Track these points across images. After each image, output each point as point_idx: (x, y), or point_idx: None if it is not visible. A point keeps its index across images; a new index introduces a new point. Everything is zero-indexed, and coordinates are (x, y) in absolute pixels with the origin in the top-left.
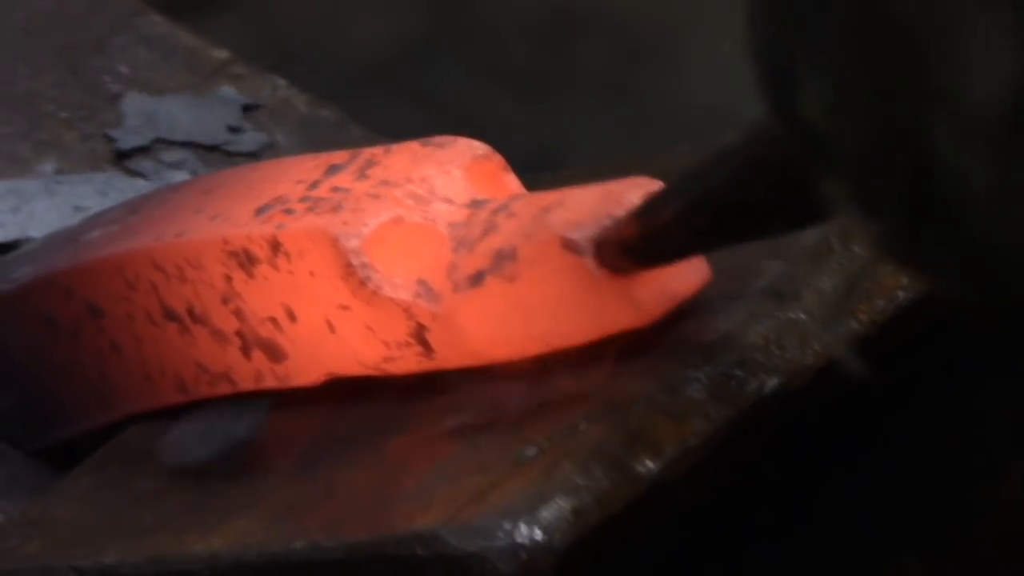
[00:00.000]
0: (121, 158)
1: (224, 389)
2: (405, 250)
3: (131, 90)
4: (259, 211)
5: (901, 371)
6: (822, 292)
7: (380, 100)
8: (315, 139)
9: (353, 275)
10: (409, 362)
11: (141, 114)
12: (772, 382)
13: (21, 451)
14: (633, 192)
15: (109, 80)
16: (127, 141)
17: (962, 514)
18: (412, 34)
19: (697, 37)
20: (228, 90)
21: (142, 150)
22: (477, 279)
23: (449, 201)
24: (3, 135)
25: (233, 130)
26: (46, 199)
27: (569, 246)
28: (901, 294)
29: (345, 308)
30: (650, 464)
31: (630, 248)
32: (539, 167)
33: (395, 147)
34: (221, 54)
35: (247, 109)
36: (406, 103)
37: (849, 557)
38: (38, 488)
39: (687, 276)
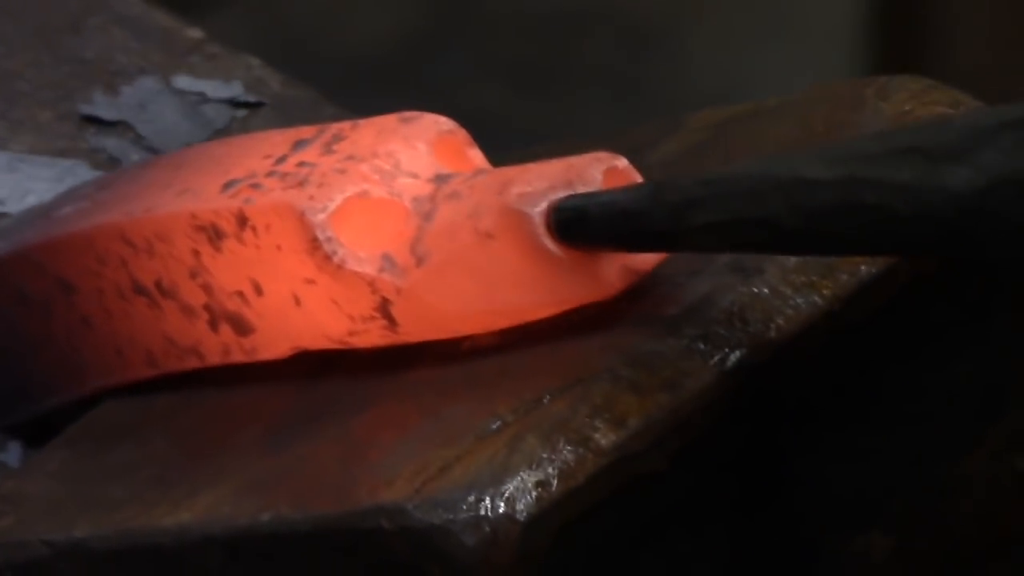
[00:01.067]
0: (89, 122)
1: (192, 363)
2: (370, 224)
3: (107, 72)
4: (227, 186)
5: (867, 345)
6: (785, 266)
7: (383, 93)
8: (289, 119)
9: (318, 249)
10: (374, 336)
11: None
12: (735, 355)
13: None
14: (594, 167)
15: (84, 60)
16: (99, 112)
17: (929, 488)
18: (415, 27)
19: (701, 28)
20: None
21: (110, 124)
22: (439, 253)
23: (414, 175)
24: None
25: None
26: (5, 175)
27: (526, 219)
28: (864, 268)
29: (311, 282)
30: (613, 437)
31: (626, 237)
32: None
33: (362, 122)
34: (195, 34)
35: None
36: (409, 96)
37: (816, 531)
38: (9, 464)
39: None
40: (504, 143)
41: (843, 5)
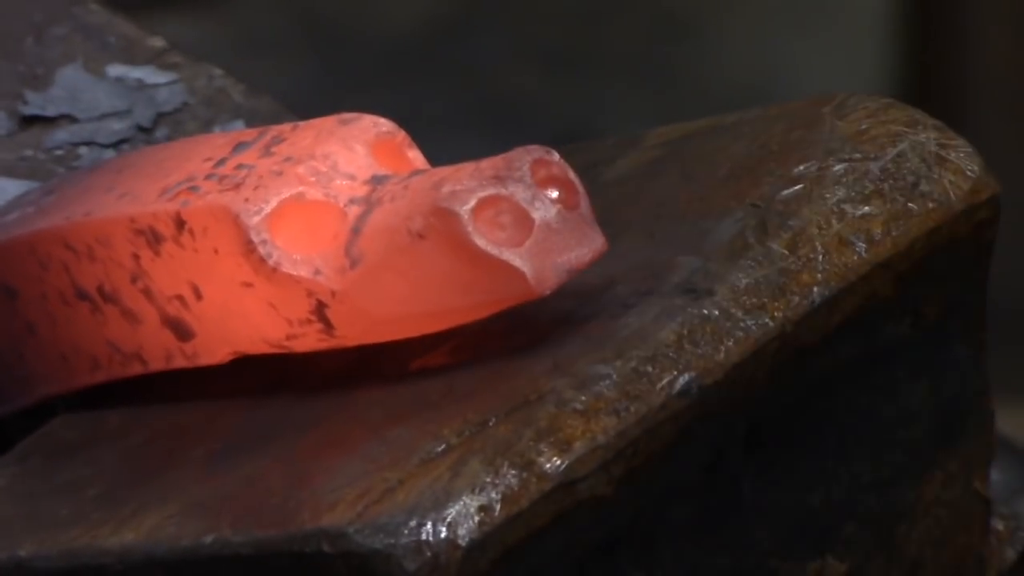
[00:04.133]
0: (24, 123)
1: (136, 369)
2: (306, 227)
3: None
4: (166, 189)
5: (819, 368)
6: (736, 288)
7: (416, 78)
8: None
9: (254, 252)
10: (312, 339)
11: (69, 89)
12: (683, 379)
13: None
14: (523, 159)
15: (43, 68)
16: (36, 109)
17: (884, 513)
18: (449, 12)
19: (736, 18)
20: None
21: (45, 120)
22: (373, 255)
23: (351, 177)
24: None
25: (143, 129)
26: None
27: (454, 218)
28: (817, 289)
29: (248, 285)
30: (557, 461)
31: None
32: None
33: (302, 124)
34: (157, 43)
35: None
36: (442, 81)
37: (769, 556)
38: None
39: (581, 247)
40: (535, 127)
41: None
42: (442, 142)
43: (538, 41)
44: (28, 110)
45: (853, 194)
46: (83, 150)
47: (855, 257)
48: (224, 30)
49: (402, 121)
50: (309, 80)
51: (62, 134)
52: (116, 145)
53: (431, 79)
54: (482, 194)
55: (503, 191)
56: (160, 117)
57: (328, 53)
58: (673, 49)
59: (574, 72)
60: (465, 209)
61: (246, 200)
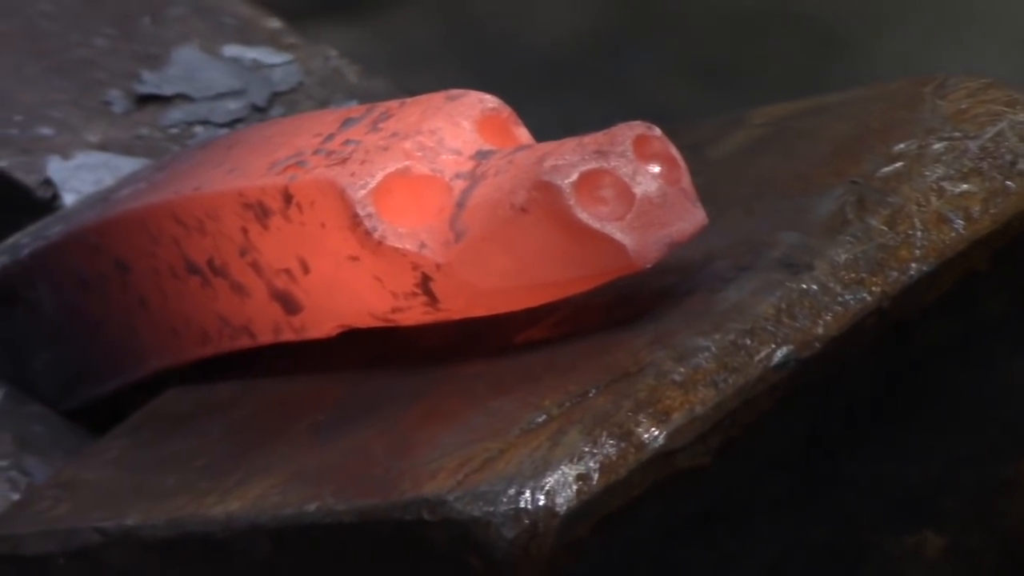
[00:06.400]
0: (140, 103)
1: (244, 342)
2: (412, 201)
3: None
4: (275, 164)
5: (917, 342)
6: (835, 263)
7: (571, 92)
8: None
9: (359, 225)
10: (417, 313)
11: (185, 68)
12: (781, 352)
13: (57, 411)
14: (625, 134)
15: (159, 48)
16: (152, 88)
17: (983, 487)
18: (603, 27)
19: (890, 32)
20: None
21: (160, 99)
22: (477, 228)
23: (457, 152)
24: (56, 102)
25: (258, 109)
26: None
27: (556, 191)
28: (914, 266)
29: (354, 259)
30: (655, 431)
31: None
32: None
33: (410, 100)
34: (273, 23)
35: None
36: (596, 94)
37: (866, 530)
38: (75, 451)
39: (682, 222)
40: None
41: None
42: None
43: (691, 55)
44: (144, 89)
45: (952, 172)
46: (198, 129)
47: (953, 234)
48: (381, 40)
49: (555, 134)
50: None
51: (177, 113)
52: (231, 124)
53: (585, 92)
54: (584, 168)
55: (605, 165)
56: (275, 97)
57: (483, 64)
58: (827, 64)
59: (727, 86)
60: (567, 183)
61: (352, 174)
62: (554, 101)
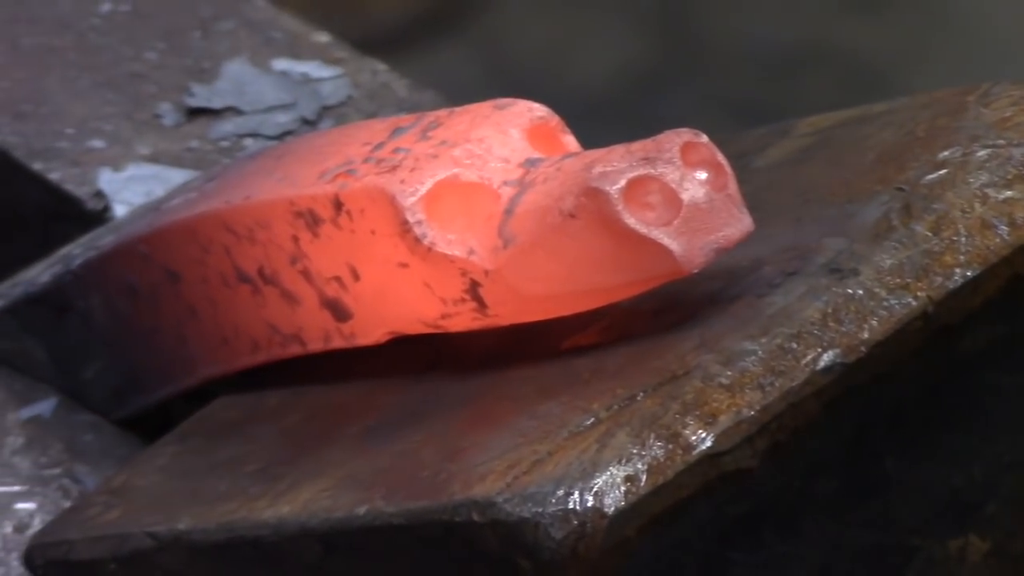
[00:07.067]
0: (191, 115)
1: (294, 350)
2: (461, 208)
3: (235, 59)
4: (325, 173)
5: (962, 347)
6: (880, 268)
7: (607, 129)
8: None
9: (409, 232)
10: (466, 319)
11: (235, 82)
12: (827, 355)
13: (108, 420)
14: (673, 141)
15: (210, 62)
16: (202, 101)
17: None
18: (642, 64)
19: (925, 71)
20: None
21: (211, 112)
22: (525, 235)
23: (505, 160)
24: (107, 115)
25: (308, 122)
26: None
27: (604, 197)
28: (959, 271)
29: (404, 266)
30: (703, 433)
31: None
32: None
33: (459, 109)
34: (322, 38)
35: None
36: (632, 132)
37: (911, 533)
38: (126, 459)
39: (729, 227)
40: None
41: None
42: None
43: (730, 92)
44: (195, 102)
45: (996, 179)
46: (248, 141)
47: (997, 240)
48: (422, 82)
49: None
50: None
51: (227, 126)
52: (281, 136)
53: (625, 129)
54: (632, 175)
55: (653, 171)
56: (324, 110)
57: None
58: (866, 101)
59: (766, 123)
60: (615, 189)
61: (402, 181)
62: (594, 139)
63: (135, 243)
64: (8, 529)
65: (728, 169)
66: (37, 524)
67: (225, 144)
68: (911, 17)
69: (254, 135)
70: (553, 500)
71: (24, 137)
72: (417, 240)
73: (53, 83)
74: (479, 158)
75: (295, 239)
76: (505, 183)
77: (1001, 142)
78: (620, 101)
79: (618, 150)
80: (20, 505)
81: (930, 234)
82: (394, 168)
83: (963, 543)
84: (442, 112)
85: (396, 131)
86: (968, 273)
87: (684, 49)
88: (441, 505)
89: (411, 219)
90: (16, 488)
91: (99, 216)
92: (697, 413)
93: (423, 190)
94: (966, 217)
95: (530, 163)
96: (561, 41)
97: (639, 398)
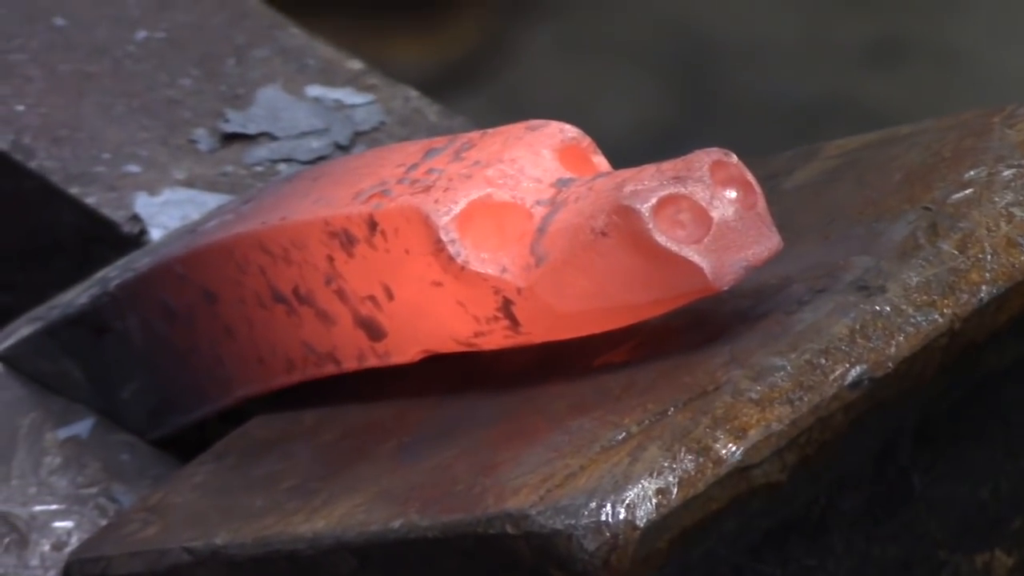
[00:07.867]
0: (225, 141)
1: (329, 369)
2: (494, 227)
3: (269, 86)
4: (360, 193)
5: (988, 363)
6: (907, 286)
7: None
8: None
9: (443, 251)
10: (499, 337)
11: (269, 108)
12: (855, 371)
13: (145, 440)
14: (702, 160)
15: (244, 88)
16: (237, 127)
17: None
18: (662, 118)
19: (950, 108)
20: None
21: (245, 137)
22: (557, 253)
23: (538, 180)
24: (143, 140)
25: (341, 147)
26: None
27: (635, 215)
28: (985, 289)
29: (438, 284)
30: (733, 447)
31: None
32: None
33: (491, 131)
34: (355, 65)
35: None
36: None
37: (937, 548)
38: (162, 479)
39: (758, 245)
40: None
41: None
42: None
43: (750, 144)
44: (229, 128)
45: (1021, 198)
46: (282, 166)
47: (1022, 258)
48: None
49: None
50: None
51: (262, 151)
52: (314, 162)
53: None
54: (663, 193)
55: (683, 190)
56: (357, 136)
57: None
58: None
59: None
60: (646, 207)
61: (436, 201)
62: None
63: (172, 264)
64: (46, 547)
65: (757, 188)
66: (74, 542)
67: (259, 169)
68: (930, 72)
69: (288, 160)
70: (586, 512)
71: (61, 162)
72: (451, 259)
73: (89, 109)
74: (512, 178)
75: (330, 259)
76: (537, 202)
77: None
78: (641, 155)
79: (649, 169)
80: (58, 524)
81: (956, 252)
82: (428, 188)
83: (988, 558)
84: (475, 134)
85: (430, 152)
86: (993, 291)
87: (705, 103)
88: (475, 518)
89: (445, 238)
90: (54, 507)
91: (135, 240)
92: (727, 427)
93: (457, 210)
94: (992, 235)
95: (562, 183)
96: (582, 95)
97: (670, 413)
